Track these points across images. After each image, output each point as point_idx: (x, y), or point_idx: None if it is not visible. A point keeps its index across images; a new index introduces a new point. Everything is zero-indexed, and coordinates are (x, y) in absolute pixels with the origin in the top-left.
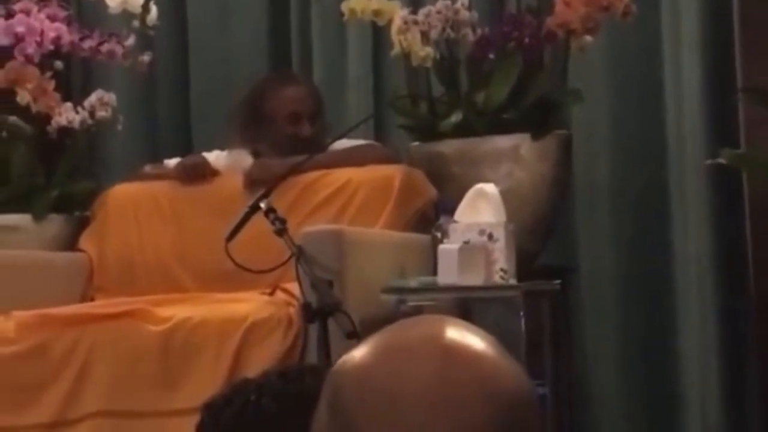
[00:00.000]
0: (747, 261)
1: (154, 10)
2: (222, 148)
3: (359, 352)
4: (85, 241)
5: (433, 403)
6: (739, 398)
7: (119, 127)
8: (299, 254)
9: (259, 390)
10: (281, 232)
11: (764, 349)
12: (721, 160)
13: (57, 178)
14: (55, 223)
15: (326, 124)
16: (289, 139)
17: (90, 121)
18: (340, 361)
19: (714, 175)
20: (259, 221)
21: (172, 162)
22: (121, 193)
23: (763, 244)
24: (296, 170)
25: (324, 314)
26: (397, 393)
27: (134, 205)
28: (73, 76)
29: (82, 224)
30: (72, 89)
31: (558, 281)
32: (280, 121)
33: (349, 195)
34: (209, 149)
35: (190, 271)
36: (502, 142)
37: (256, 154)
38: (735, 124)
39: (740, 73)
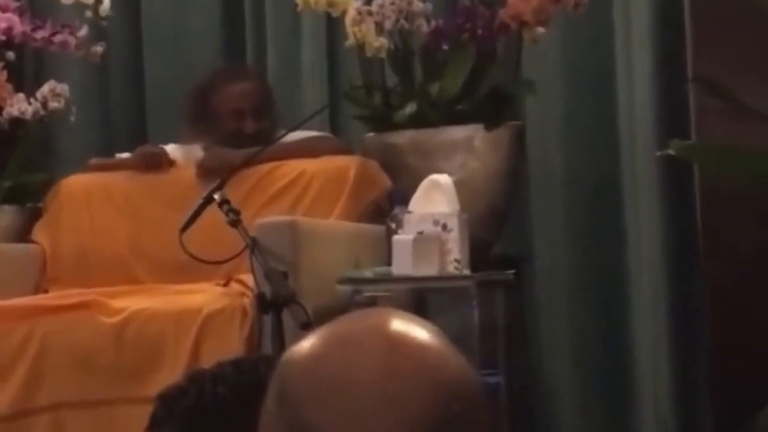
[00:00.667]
0: (698, 251)
1: (106, 0)
2: (176, 141)
3: (306, 344)
4: (38, 232)
5: (378, 393)
6: (691, 388)
7: (72, 118)
8: (253, 246)
9: (214, 380)
10: (235, 223)
11: (715, 338)
12: (671, 151)
13: (9, 169)
14: (8, 215)
15: (275, 119)
16: (233, 134)
17: (42, 112)
18: (288, 351)
19: (665, 165)
20: (213, 213)
21: (123, 155)
22: (74, 184)
23: (713, 234)
24: (250, 162)
25: (278, 305)
26: (343, 384)
27: (87, 196)
28: (24, 66)
29: (35, 216)
30: (24, 80)
31: (512, 271)
32: (224, 116)
33: (304, 186)
34: (164, 140)
35: (144, 263)
36: (456, 133)
37: (207, 149)
38: (686, 115)
39: (691, 64)
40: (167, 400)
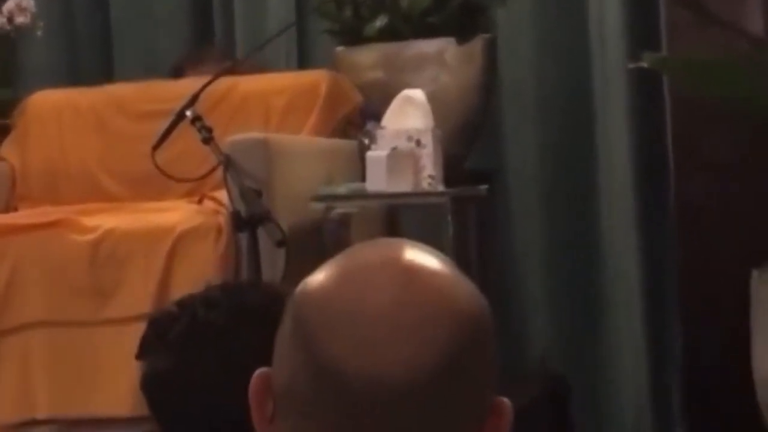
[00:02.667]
0: (668, 162)
1: None
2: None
3: (321, 275)
4: (6, 149)
5: (394, 322)
6: (660, 296)
7: (39, 33)
8: (227, 163)
9: (206, 305)
10: (208, 140)
11: (684, 249)
12: (643, 64)
13: None
14: None
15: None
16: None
17: (8, 27)
18: (303, 282)
19: (636, 77)
20: (184, 128)
21: None
22: (42, 100)
23: (683, 145)
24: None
25: (253, 223)
26: (359, 314)
27: (56, 112)
28: None
29: (2, 132)
30: None
31: (485, 186)
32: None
33: (274, 100)
34: (129, 55)
35: (114, 178)
36: (427, 46)
37: None
38: (656, 28)
39: None
40: (158, 326)
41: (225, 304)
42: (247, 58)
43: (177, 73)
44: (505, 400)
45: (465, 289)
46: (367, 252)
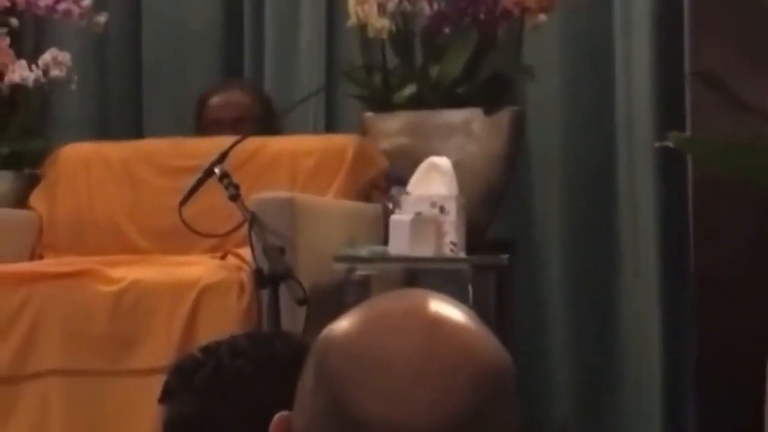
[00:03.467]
0: (689, 240)
1: None
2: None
3: (345, 323)
4: (36, 198)
5: (416, 373)
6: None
7: (73, 87)
8: (252, 220)
9: (232, 352)
10: (235, 197)
11: (703, 326)
12: (669, 143)
13: (8, 135)
14: (5, 180)
15: (263, 129)
16: None
17: (44, 80)
18: (327, 329)
19: (660, 155)
20: (211, 183)
21: None
22: (74, 152)
23: (704, 224)
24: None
25: (275, 280)
26: (382, 364)
27: (86, 164)
28: (23, 33)
29: (32, 182)
30: (22, 46)
31: (506, 255)
32: (208, 128)
33: (301, 163)
34: (158, 111)
35: (141, 231)
36: (455, 115)
37: None
38: (681, 107)
39: (688, 58)
40: (183, 371)
41: (251, 353)
42: (277, 119)
43: (202, 102)
44: None
45: (488, 340)
46: (390, 301)
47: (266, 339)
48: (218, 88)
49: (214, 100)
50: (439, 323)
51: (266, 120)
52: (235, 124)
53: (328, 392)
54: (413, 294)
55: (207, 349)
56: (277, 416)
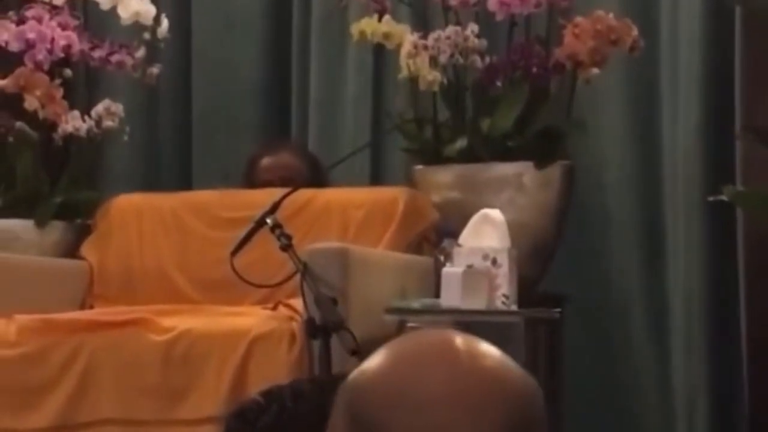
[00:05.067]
0: (738, 300)
1: (165, 22)
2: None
3: (374, 362)
4: (87, 248)
5: (447, 410)
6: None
7: (125, 138)
8: (305, 270)
9: (295, 397)
10: (286, 247)
11: (754, 387)
12: (723, 197)
13: (61, 185)
14: (57, 230)
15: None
16: None
17: (96, 130)
18: (356, 372)
19: (709, 211)
20: (262, 233)
21: None
22: (125, 202)
23: (755, 282)
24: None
25: (327, 331)
26: (413, 401)
27: (137, 215)
28: (75, 84)
29: (84, 232)
30: (75, 97)
31: (558, 310)
32: (257, 188)
33: (352, 214)
34: (207, 164)
35: (191, 282)
36: (506, 169)
37: None
38: (731, 164)
39: (739, 112)
40: (246, 416)
41: (313, 397)
42: (325, 179)
43: (252, 163)
44: None
45: (517, 372)
46: (417, 340)
47: (328, 383)
48: (268, 149)
49: (264, 161)
50: (467, 358)
51: (314, 181)
52: (283, 185)
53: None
54: (438, 332)
55: (269, 394)
56: None
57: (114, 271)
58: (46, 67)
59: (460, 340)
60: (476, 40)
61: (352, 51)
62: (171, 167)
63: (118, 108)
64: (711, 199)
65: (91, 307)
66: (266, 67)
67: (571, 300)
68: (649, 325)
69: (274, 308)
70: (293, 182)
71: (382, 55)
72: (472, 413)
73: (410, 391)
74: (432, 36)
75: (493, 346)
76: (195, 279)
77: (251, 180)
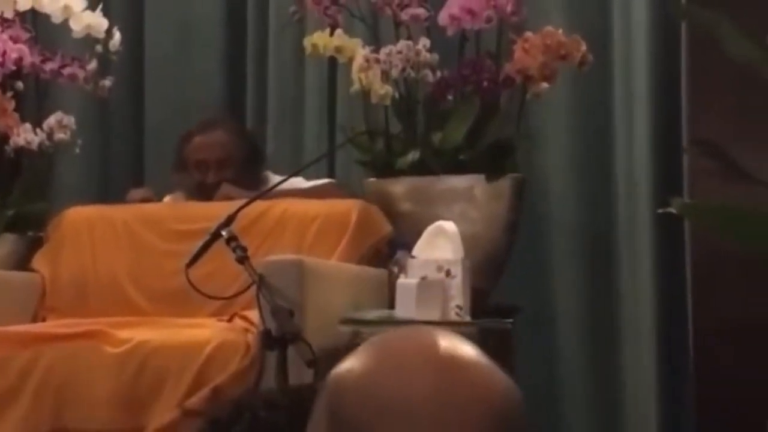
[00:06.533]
0: (686, 310)
1: (117, 35)
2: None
3: (357, 363)
4: (39, 261)
5: (436, 412)
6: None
7: (77, 150)
8: (260, 282)
9: (267, 405)
10: (242, 259)
11: (701, 392)
12: (672, 209)
13: (12, 197)
14: (9, 242)
15: (248, 169)
16: (197, 186)
17: (48, 143)
18: (338, 369)
19: (659, 223)
20: (216, 246)
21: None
22: (77, 214)
23: (702, 291)
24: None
25: (284, 342)
26: (397, 406)
27: (89, 227)
28: (27, 96)
29: (36, 244)
30: (26, 110)
31: (510, 320)
32: (191, 168)
33: (306, 226)
34: (160, 176)
35: (144, 294)
36: (457, 182)
37: (177, 199)
38: (679, 175)
39: (686, 127)
40: (219, 424)
41: (285, 406)
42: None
43: (185, 141)
44: None
45: (500, 375)
46: (400, 340)
47: (300, 392)
48: (202, 126)
49: (198, 140)
50: (451, 361)
51: (251, 162)
52: (219, 165)
53: None
54: (422, 331)
55: (241, 403)
56: None
57: (66, 283)
58: None
59: (444, 341)
60: (428, 55)
61: (308, 64)
62: (124, 179)
63: (70, 120)
64: (660, 211)
65: (44, 320)
66: (221, 80)
67: (522, 311)
68: (599, 336)
69: (230, 320)
70: (229, 162)
71: (336, 68)
72: (456, 419)
73: (396, 395)
74: (384, 50)
75: (475, 346)
76: (149, 291)
77: (184, 160)
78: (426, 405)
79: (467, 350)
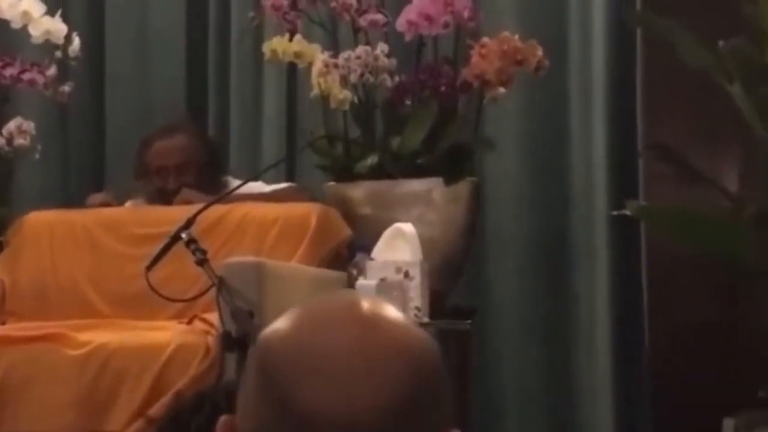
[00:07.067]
0: (642, 311)
1: (77, 41)
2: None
3: (284, 324)
4: None
5: (358, 364)
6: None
7: (37, 156)
8: (220, 284)
9: (228, 398)
10: (202, 262)
11: (656, 383)
12: (627, 212)
13: None
14: None
15: (208, 174)
16: (158, 192)
17: (7, 148)
18: (266, 331)
19: (615, 226)
20: (174, 251)
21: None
22: (37, 219)
23: (657, 295)
24: (215, 202)
25: (244, 344)
26: (325, 358)
27: (49, 231)
28: None
29: None
30: None
31: (468, 321)
32: (151, 174)
33: (265, 230)
34: (122, 181)
35: (104, 297)
36: (416, 185)
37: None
38: (635, 179)
39: (641, 131)
40: (182, 417)
41: None
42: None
43: (145, 145)
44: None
45: (419, 332)
46: (325, 301)
47: None
48: (162, 132)
49: (158, 145)
50: (374, 318)
51: (211, 166)
52: (179, 170)
53: (273, 391)
54: (346, 294)
55: (202, 395)
56: (221, 420)
57: (26, 287)
58: None
59: (366, 303)
60: (386, 60)
61: (268, 69)
62: (84, 184)
63: (30, 126)
64: (615, 213)
65: (4, 323)
66: (182, 85)
67: (480, 312)
68: (554, 338)
69: (190, 322)
70: (189, 167)
71: (296, 74)
72: (377, 371)
73: (318, 350)
74: (342, 55)
75: (395, 308)
76: (109, 295)
77: (145, 166)
78: (347, 358)
79: (388, 309)
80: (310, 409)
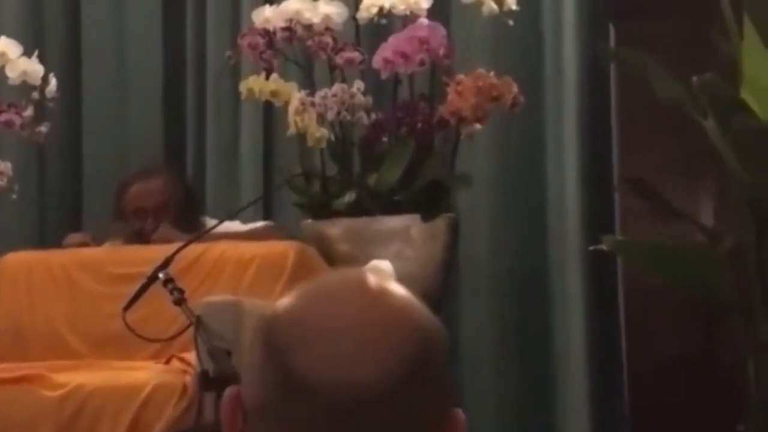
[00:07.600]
0: (619, 344)
1: (53, 82)
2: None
3: (290, 299)
4: None
5: (358, 338)
6: None
7: (14, 196)
8: (198, 324)
9: None
10: (179, 301)
11: (636, 418)
12: (603, 246)
13: None
14: None
15: (185, 215)
16: (136, 233)
17: None
18: (273, 306)
19: (591, 260)
20: (152, 291)
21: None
22: (14, 260)
23: (635, 330)
24: (192, 242)
25: (222, 383)
26: (326, 331)
27: (27, 272)
28: None
29: None
30: None
31: None
32: (129, 216)
33: (243, 268)
34: (100, 222)
35: (82, 338)
36: (393, 222)
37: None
38: (610, 213)
39: (617, 165)
40: None
41: None
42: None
43: (123, 188)
44: (460, 411)
45: (422, 308)
46: (331, 277)
47: None
48: (139, 174)
49: (136, 188)
50: (377, 292)
51: (188, 208)
52: (157, 212)
53: (277, 362)
54: (351, 270)
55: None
56: (227, 392)
57: (3, 328)
58: None
59: (370, 278)
60: (362, 98)
61: (244, 108)
62: (62, 225)
63: (7, 166)
64: (591, 248)
65: None
66: (160, 122)
67: (457, 349)
68: (531, 374)
69: (167, 362)
70: (166, 209)
71: (272, 112)
72: (379, 343)
73: (320, 323)
74: (319, 93)
75: (399, 283)
76: (86, 335)
77: (122, 208)
78: (353, 328)
79: (394, 285)
80: (310, 379)
